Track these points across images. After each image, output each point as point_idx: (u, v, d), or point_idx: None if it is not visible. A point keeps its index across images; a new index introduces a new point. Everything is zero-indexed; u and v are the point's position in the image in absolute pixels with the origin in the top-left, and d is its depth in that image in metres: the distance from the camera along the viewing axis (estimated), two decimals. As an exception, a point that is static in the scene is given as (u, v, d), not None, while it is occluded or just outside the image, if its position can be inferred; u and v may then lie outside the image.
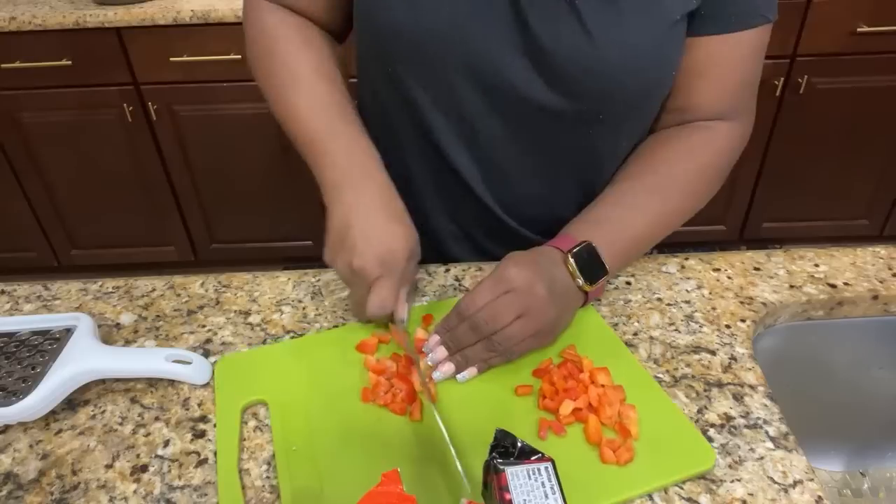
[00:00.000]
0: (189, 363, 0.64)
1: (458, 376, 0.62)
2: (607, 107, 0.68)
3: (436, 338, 0.64)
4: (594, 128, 0.70)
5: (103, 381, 0.65)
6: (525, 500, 0.44)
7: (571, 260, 0.64)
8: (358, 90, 0.80)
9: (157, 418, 0.61)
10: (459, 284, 0.75)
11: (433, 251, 0.81)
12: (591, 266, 0.65)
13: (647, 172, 0.72)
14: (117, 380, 0.65)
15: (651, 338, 0.68)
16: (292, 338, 0.69)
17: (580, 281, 0.64)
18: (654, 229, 0.70)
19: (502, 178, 0.75)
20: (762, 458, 0.55)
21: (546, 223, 0.76)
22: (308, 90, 0.70)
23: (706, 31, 0.67)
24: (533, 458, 0.47)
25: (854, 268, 0.76)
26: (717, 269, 0.76)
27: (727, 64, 0.69)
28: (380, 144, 0.70)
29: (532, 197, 0.77)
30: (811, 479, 0.53)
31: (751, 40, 0.68)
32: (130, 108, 1.93)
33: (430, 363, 0.63)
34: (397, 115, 0.74)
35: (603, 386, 0.60)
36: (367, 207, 0.64)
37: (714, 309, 0.71)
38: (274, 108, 0.72)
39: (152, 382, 0.65)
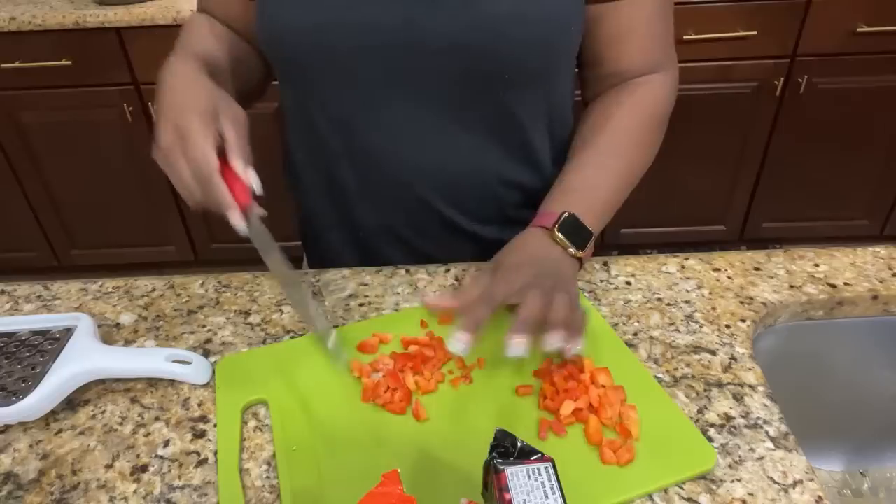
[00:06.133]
0: (189, 363, 0.64)
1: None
2: (506, 65, 0.69)
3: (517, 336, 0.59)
4: (506, 91, 0.71)
5: (103, 381, 0.65)
6: (525, 500, 0.44)
7: (559, 234, 0.66)
8: (280, 106, 0.82)
9: (157, 418, 0.61)
10: (460, 284, 0.75)
11: (365, 256, 0.83)
12: (577, 234, 0.67)
13: (600, 134, 0.74)
14: (117, 380, 0.65)
15: (651, 338, 0.68)
16: (292, 338, 0.69)
17: (572, 250, 0.67)
18: (620, 187, 0.74)
19: (431, 163, 0.75)
20: (762, 458, 0.55)
21: (487, 209, 0.79)
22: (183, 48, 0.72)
23: None
24: (533, 458, 0.47)
25: (854, 268, 0.76)
26: (717, 269, 0.76)
27: (641, 25, 0.73)
28: (310, 156, 0.76)
29: (466, 177, 0.77)
30: (811, 479, 0.53)
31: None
32: (130, 108, 1.93)
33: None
34: (319, 121, 0.75)
35: (603, 386, 0.60)
36: (167, 81, 0.63)
37: (714, 309, 0.71)
38: None
39: (152, 382, 0.65)
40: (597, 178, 0.72)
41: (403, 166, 0.75)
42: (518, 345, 0.57)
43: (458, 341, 0.58)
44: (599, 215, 0.71)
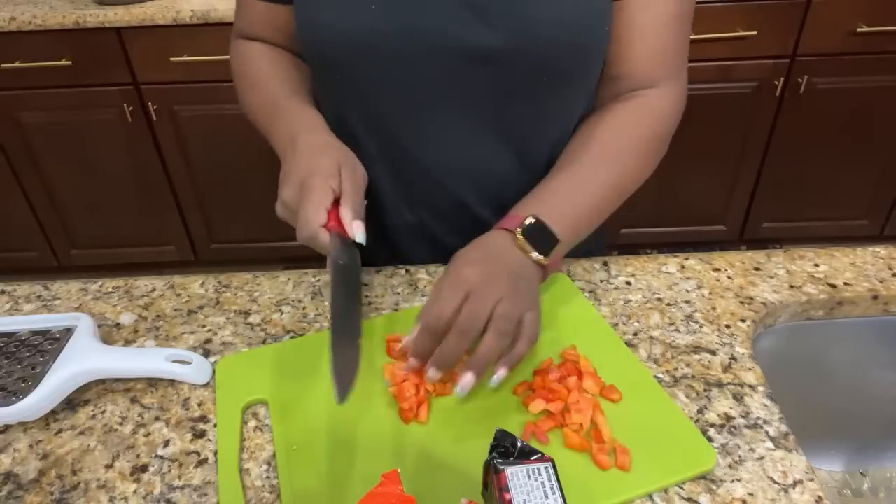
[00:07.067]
0: (189, 363, 0.64)
1: (458, 389, 0.58)
2: (546, 69, 0.68)
3: (414, 362, 0.60)
4: (546, 93, 0.71)
5: (103, 381, 0.65)
6: (525, 500, 0.44)
7: (520, 237, 0.64)
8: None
9: (157, 418, 0.61)
10: (459, 284, 0.75)
11: (391, 253, 0.83)
12: (542, 238, 0.65)
13: (594, 143, 0.73)
14: (117, 380, 0.65)
15: (651, 338, 0.68)
16: (292, 338, 0.69)
17: (534, 255, 0.64)
18: (602, 200, 0.71)
19: (469, 165, 0.75)
20: (762, 458, 0.55)
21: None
22: (264, 87, 0.76)
23: None
24: (533, 458, 0.47)
25: (854, 268, 0.76)
26: (717, 269, 0.76)
27: (652, 31, 0.71)
28: None
29: (505, 179, 0.77)
30: (811, 479, 0.53)
31: (668, 9, 0.71)
32: (130, 108, 1.93)
33: (430, 380, 0.59)
34: (356, 124, 0.75)
35: (585, 391, 0.59)
36: (297, 149, 0.67)
37: (714, 309, 0.71)
38: (247, 112, 0.79)
39: (152, 382, 0.65)
40: (578, 187, 0.70)
41: (441, 168, 0.75)
42: (465, 385, 0.57)
43: (460, 387, 0.58)
44: (572, 225, 0.68)
